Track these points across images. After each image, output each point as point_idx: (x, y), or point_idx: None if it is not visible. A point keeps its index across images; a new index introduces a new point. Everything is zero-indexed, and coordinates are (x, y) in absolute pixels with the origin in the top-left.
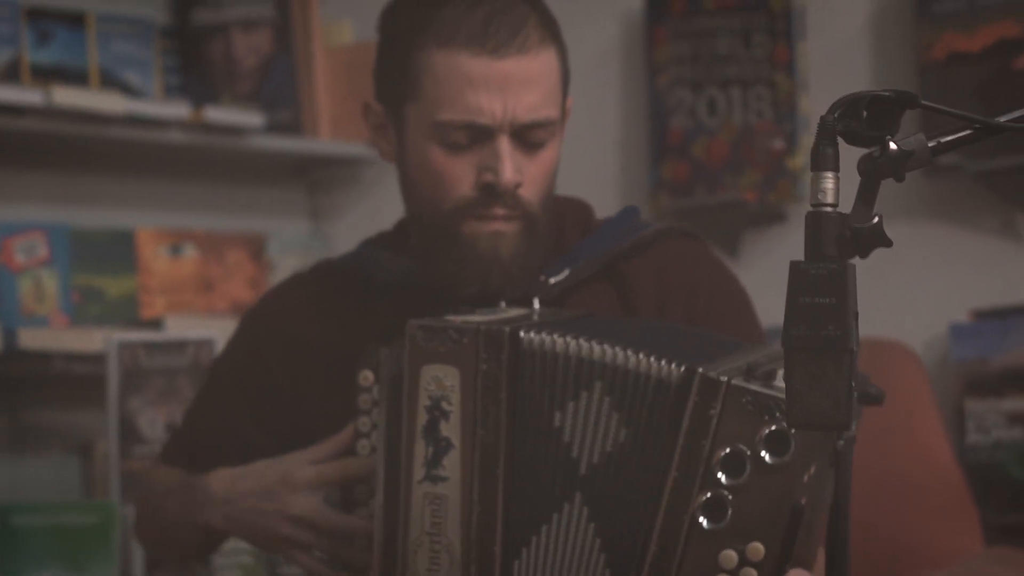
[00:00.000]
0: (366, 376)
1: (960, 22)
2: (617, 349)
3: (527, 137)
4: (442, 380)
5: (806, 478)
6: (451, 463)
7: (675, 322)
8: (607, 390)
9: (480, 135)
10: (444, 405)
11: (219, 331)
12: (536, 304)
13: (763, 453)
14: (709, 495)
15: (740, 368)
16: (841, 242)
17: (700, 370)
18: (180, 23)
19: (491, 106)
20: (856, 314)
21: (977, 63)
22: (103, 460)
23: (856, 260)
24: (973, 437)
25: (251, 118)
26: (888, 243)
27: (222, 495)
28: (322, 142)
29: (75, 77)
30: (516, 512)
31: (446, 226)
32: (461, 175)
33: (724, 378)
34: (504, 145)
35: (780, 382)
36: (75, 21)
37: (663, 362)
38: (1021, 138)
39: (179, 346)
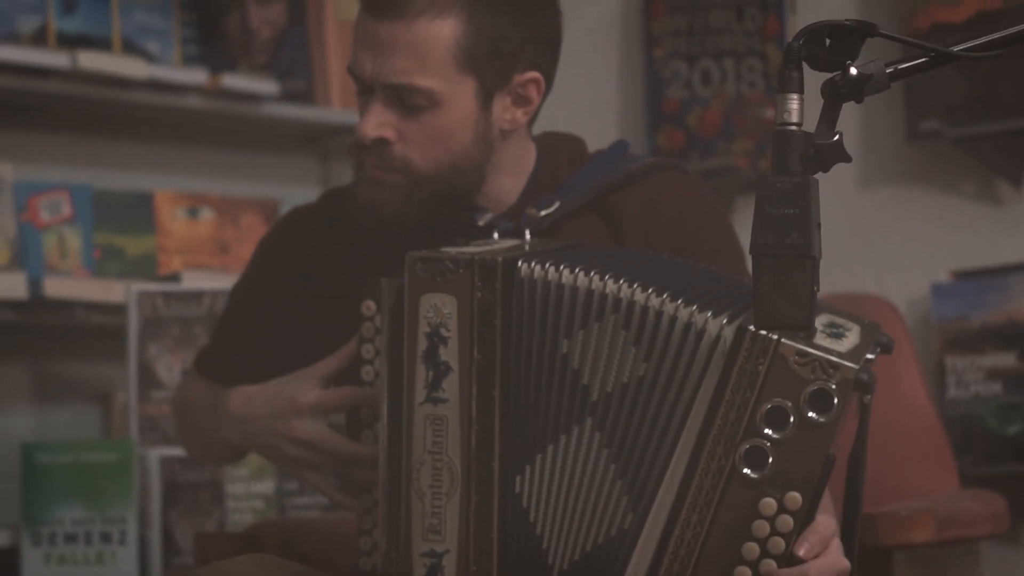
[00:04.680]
0: (368, 305)
1: None
2: (636, 287)
3: (403, 99)
4: (440, 308)
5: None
6: (450, 386)
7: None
8: (622, 324)
9: (366, 88)
10: (443, 331)
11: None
12: (528, 236)
13: (808, 411)
14: (751, 445)
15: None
16: (805, 158)
17: (752, 328)
18: None
19: (363, 63)
20: (819, 224)
21: (960, 32)
22: (122, 409)
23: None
24: (953, 392)
25: (266, 86)
26: (848, 159)
27: (239, 414)
28: (333, 111)
29: (98, 45)
30: (516, 431)
31: (355, 167)
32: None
33: (775, 336)
34: (374, 101)
35: (820, 339)
36: None
37: (694, 308)
38: (1001, 105)
39: (196, 296)
